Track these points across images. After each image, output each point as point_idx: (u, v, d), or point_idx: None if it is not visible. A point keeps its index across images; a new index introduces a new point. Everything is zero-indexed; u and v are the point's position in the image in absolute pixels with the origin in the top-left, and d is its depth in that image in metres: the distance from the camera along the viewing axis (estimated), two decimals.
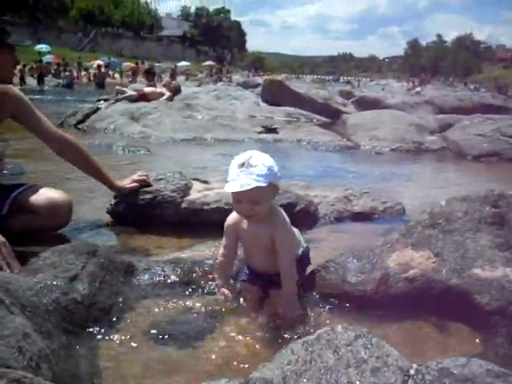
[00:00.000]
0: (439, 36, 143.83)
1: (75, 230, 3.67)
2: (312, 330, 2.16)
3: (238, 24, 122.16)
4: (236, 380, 1.51)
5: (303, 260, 2.72)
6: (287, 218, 2.60)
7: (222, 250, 2.71)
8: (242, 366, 2.01)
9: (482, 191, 2.90)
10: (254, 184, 2.30)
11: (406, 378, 1.44)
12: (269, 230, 2.51)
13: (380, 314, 2.50)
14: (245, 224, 2.60)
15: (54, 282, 2.32)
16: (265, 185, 2.33)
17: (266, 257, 2.59)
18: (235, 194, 2.43)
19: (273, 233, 2.50)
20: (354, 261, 2.73)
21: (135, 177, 3.89)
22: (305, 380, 1.47)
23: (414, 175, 6.89)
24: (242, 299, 2.59)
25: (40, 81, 28.54)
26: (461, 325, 2.39)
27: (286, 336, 2.26)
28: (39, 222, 3.41)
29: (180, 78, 31.65)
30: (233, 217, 2.67)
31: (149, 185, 3.86)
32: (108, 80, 31.19)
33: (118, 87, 14.21)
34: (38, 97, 18.35)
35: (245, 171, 2.33)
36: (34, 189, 3.54)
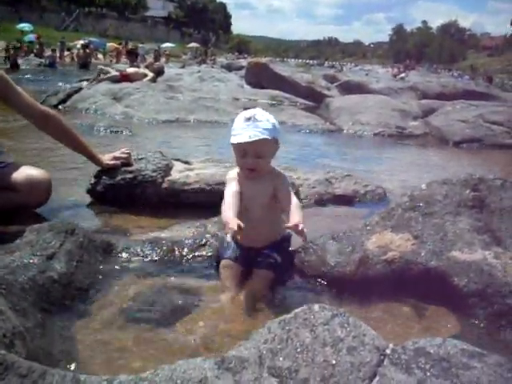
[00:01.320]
0: (424, 22, 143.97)
1: (55, 210, 3.62)
2: (289, 310, 2.16)
3: (223, 6, 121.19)
4: (212, 358, 1.51)
5: (285, 242, 2.72)
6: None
7: (227, 192, 2.58)
8: (218, 344, 2.00)
9: (462, 175, 2.90)
10: (262, 136, 2.43)
11: (382, 357, 1.44)
12: (271, 183, 2.59)
13: (359, 295, 2.50)
14: (245, 182, 2.63)
15: (31, 261, 2.29)
16: (270, 138, 2.47)
17: (260, 219, 2.61)
18: (241, 146, 2.50)
19: (274, 182, 2.60)
20: (334, 243, 2.73)
21: (117, 153, 3.86)
22: (281, 358, 1.46)
23: (396, 159, 6.91)
24: (221, 277, 2.59)
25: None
26: (439, 307, 2.40)
27: (263, 315, 2.26)
28: (18, 199, 3.38)
29: (163, 59, 31.42)
30: (232, 173, 2.73)
31: (130, 163, 3.83)
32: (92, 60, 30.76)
33: (100, 66, 14.08)
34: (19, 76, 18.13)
35: (251, 125, 2.46)
36: (13, 166, 3.51)
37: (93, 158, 3.81)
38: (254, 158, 2.53)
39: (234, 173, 2.72)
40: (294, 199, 2.54)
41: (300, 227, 2.31)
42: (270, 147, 2.56)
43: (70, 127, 3.74)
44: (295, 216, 2.39)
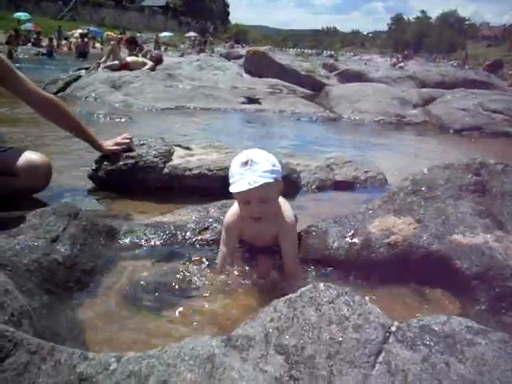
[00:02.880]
0: (423, 12, 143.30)
1: (56, 195, 3.63)
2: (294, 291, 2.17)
3: None
4: (219, 337, 1.52)
5: None
6: (289, 210, 2.59)
7: (223, 249, 2.57)
8: (223, 325, 2.02)
9: (464, 159, 2.91)
10: (262, 180, 2.26)
11: (388, 334, 1.46)
12: (274, 227, 2.51)
13: (361, 278, 2.52)
14: (246, 223, 2.53)
15: (35, 243, 2.31)
16: (272, 180, 2.30)
17: (266, 243, 2.61)
18: (243, 195, 2.35)
19: (279, 229, 2.51)
20: (336, 226, 2.74)
21: (119, 139, 3.87)
22: (287, 337, 1.47)
23: (396, 147, 6.92)
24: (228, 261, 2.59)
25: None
26: (441, 290, 2.41)
27: (267, 297, 2.27)
28: (18, 184, 3.38)
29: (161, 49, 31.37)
30: (231, 215, 2.59)
31: (131, 149, 3.83)
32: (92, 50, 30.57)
33: (112, 44, 14.09)
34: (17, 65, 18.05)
35: (249, 169, 2.29)
36: (13, 151, 3.51)
37: (94, 144, 3.81)
38: (259, 203, 2.37)
39: (231, 216, 2.59)
40: (290, 256, 2.52)
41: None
42: (273, 190, 2.39)
43: (71, 113, 3.74)
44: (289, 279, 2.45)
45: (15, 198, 3.36)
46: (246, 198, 2.37)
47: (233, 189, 2.33)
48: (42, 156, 3.52)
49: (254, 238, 2.61)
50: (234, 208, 2.58)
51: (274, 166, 2.35)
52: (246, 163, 2.30)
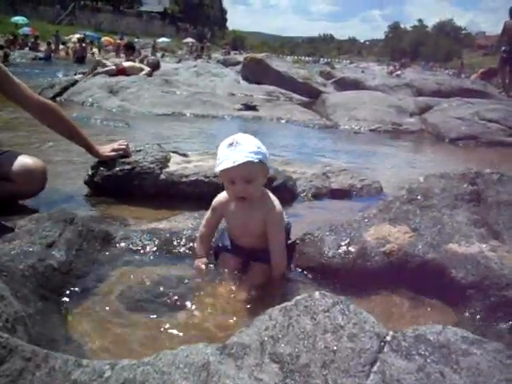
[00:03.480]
0: (420, 21, 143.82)
1: (52, 200, 3.62)
2: (289, 299, 2.17)
3: (219, 1, 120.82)
4: (214, 345, 1.52)
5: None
6: (277, 201, 2.62)
7: (204, 223, 2.72)
8: (218, 333, 2.01)
9: (460, 169, 2.93)
10: (246, 159, 2.33)
11: (383, 343, 1.46)
12: (261, 213, 2.53)
13: (356, 287, 2.51)
14: (233, 206, 2.59)
15: (31, 249, 2.30)
16: (256, 161, 2.36)
17: (253, 238, 2.61)
18: (228, 173, 2.40)
19: (265, 216, 2.52)
20: (332, 234, 2.74)
21: (115, 145, 3.87)
22: (282, 345, 1.47)
23: (392, 155, 6.93)
24: (221, 268, 2.60)
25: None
26: (436, 299, 2.41)
27: (262, 305, 2.27)
28: (13, 188, 3.37)
29: (158, 54, 31.41)
30: (223, 196, 2.65)
31: (127, 155, 3.83)
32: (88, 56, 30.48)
33: (98, 58, 14.08)
34: (12, 69, 18.06)
35: (234, 149, 2.36)
36: (8, 155, 3.49)
37: (91, 149, 3.81)
38: (243, 183, 2.43)
39: (221, 198, 2.67)
40: (277, 244, 2.55)
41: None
42: (257, 170, 2.43)
43: (68, 118, 3.74)
44: (275, 269, 2.52)
45: (10, 202, 3.35)
46: (230, 177, 2.43)
47: (218, 168, 2.41)
48: (36, 160, 3.52)
49: (241, 224, 2.60)
50: (223, 192, 2.65)
51: (258, 148, 2.42)
52: (231, 144, 2.38)
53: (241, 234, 2.65)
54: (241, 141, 2.39)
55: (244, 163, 2.32)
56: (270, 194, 2.62)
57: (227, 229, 2.75)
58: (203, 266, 2.62)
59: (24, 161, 3.45)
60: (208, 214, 2.72)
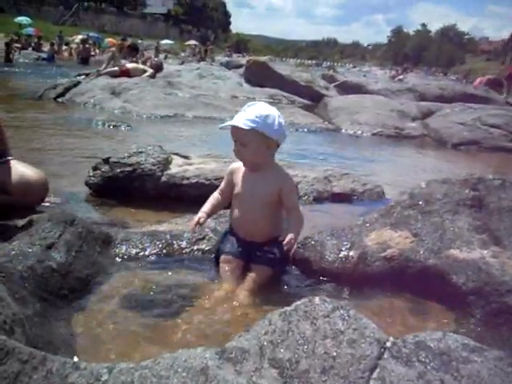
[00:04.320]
0: (424, 25, 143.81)
1: (53, 201, 3.61)
2: (289, 303, 2.16)
3: (222, 4, 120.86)
4: (213, 349, 1.51)
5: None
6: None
7: (217, 190, 2.85)
8: (218, 337, 2.00)
9: (461, 175, 2.92)
10: (235, 123, 2.51)
11: (383, 350, 1.44)
12: (276, 183, 2.61)
13: (357, 291, 2.51)
14: (245, 173, 2.70)
15: (30, 250, 2.29)
16: (246, 128, 2.49)
17: (259, 214, 2.64)
18: (231, 132, 2.60)
19: (281, 184, 2.61)
20: (333, 239, 2.73)
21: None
22: (281, 350, 1.46)
23: (394, 160, 6.93)
24: (221, 271, 2.59)
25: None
26: (437, 304, 2.40)
27: (262, 309, 2.26)
28: (11, 201, 3.29)
29: (161, 56, 31.41)
30: (237, 163, 2.77)
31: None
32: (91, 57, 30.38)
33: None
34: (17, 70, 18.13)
35: (240, 113, 2.56)
36: (6, 167, 3.36)
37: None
38: (239, 145, 2.59)
39: (235, 165, 2.78)
40: (296, 210, 2.62)
41: (288, 246, 2.45)
42: (249, 136, 2.53)
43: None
44: (291, 231, 2.50)
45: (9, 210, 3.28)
46: (232, 136, 2.62)
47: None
48: (36, 172, 3.43)
49: (252, 194, 2.64)
50: (238, 162, 2.77)
51: (257, 117, 2.50)
52: (243, 108, 2.58)
53: (246, 209, 2.67)
54: (251, 107, 2.55)
55: (234, 126, 2.53)
56: (283, 168, 2.74)
57: (231, 218, 2.79)
58: (195, 219, 2.67)
59: (23, 173, 3.36)
60: (221, 183, 2.86)
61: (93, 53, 32.88)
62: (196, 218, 2.69)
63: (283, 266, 2.69)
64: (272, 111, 2.56)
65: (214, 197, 2.82)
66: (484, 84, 18.02)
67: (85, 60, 27.14)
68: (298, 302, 1.62)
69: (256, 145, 2.56)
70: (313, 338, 1.48)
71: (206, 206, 2.77)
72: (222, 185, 2.84)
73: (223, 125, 2.61)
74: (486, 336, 2.20)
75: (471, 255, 2.45)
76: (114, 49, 14.62)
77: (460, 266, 2.42)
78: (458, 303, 2.35)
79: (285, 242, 2.44)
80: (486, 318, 2.28)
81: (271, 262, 2.59)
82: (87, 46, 30.02)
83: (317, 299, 1.61)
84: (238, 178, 2.72)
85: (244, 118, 2.50)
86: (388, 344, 1.46)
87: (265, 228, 2.67)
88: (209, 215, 2.77)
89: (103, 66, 13.03)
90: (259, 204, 2.63)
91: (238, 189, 2.72)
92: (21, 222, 2.64)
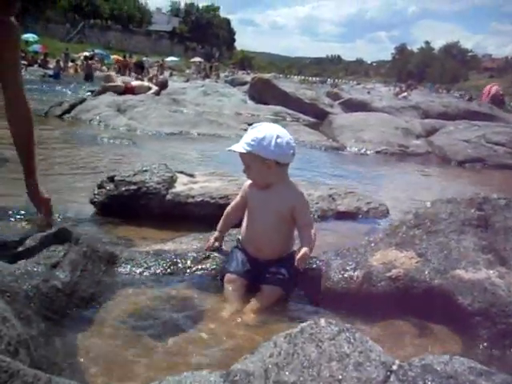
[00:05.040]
0: (427, 43, 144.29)
1: (58, 220, 3.62)
2: (295, 325, 2.15)
3: (227, 22, 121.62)
4: (217, 371, 1.50)
5: (293, 258, 2.71)
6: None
7: (232, 203, 2.96)
8: (224, 358, 1.99)
9: (467, 194, 2.91)
10: (235, 148, 2.63)
11: (389, 373, 1.43)
12: (288, 201, 2.66)
13: (362, 312, 2.49)
14: (255, 191, 2.75)
15: (35, 269, 2.29)
16: (243, 151, 2.60)
17: (268, 230, 2.66)
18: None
19: (296, 205, 2.66)
20: (338, 258, 2.73)
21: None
22: (287, 373, 1.45)
23: (399, 178, 6.92)
24: (225, 291, 2.58)
25: None
26: (443, 325, 2.39)
27: (267, 330, 2.25)
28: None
29: (166, 73, 31.65)
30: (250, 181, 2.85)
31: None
32: (97, 73, 30.57)
33: (107, 73, 14.17)
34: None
35: (244, 136, 2.65)
36: None
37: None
38: (246, 167, 2.71)
39: (249, 182, 2.83)
40: (310, 227, 2.64)
41: (300, 261, 2.50)
42: (248, 159, 2.65)
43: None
44: (304, 246, 2.53)
45: None
46: None
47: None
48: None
49: (262, 211, 2.70)
50: None
51: (254, 141, 2.58)
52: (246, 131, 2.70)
53: (257, 225, 2.71)
54: (252, 130, 2.65)
55: (233, 150, 2.64)
56: (295, 185, 2.78)
57: (241, 233, 2.83)
58: (211, 240, 2.89)
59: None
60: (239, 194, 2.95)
61: (100, 70, 33.12)
62: (212, 238, 2.90)
63: (292, 287, 2.69)
64: (270, 132, 2.60)
65: (227, 213, 2.94)
66: (490, 97, 18.01)
67: (88, 76, 27.28)
68: (304, 324, 1.61)
69: (256, 166, 2.65)
70: (318, 361, 1.47)
71: (220, 225, 2.93)
72: (237, 199, 2.92)
73: (229, 148, 2.68)
74: (493, 358, 2.18)
75: (477, 275, 2.44)
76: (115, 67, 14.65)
77: (466, 286, 2.40)
78: (464, 324, 2.34)
79: (298, 257, 2.48)
80: (493, 340, 2.26)
81: (281, 283, 2.59)
82: (90, 62, 30.20)
83: (322, 321, 1.61)
84: (252, 194, 2.77)
85: (243, 142, 2.61)
86: (394, 367, 1.45)
87: (274, 243, 2.69)
88: (224, 233, 2.93)
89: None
90: (271, 219, 2.66)
91: (250, 204, 2.78)
92: (26, 241, 2.63)
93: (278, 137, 2.59)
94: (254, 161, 2.62)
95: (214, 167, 5.22)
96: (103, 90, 12.28)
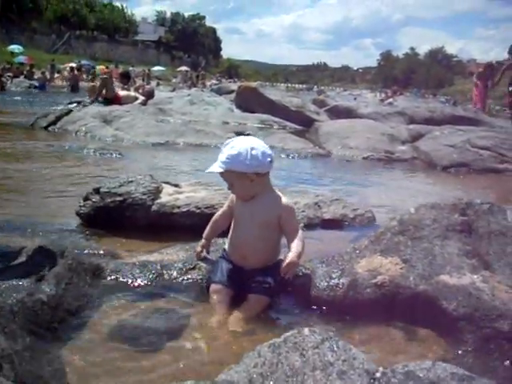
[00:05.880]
0: (412, 49, 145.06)
1: (43, 232, 3.61)
2: (280, 334, 2.16)
3: (213, 31, 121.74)
4: (202, 382, 1.50)
5: (279, 266, 2.71)
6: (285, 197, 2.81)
7: (219, 211, 3.00)
8: (209, 368, 1.99)
9: (450, 199, 2.93)
10: (212, 170, 2.62)
11: (372, 380, 1.45)
12: (273, 209, 2.68)
13: (348, 319, 2.51)
14: (242, 202, 2.75)
15: (20, 283, 2.28)
16: (221, 170, 2.60)
17: (253, 239, 2.68)
18: None
19: (279, 211, 2.67)
20: (323, 266, 2.74)
21: None
22: (271, 382, 1.46)
23: (385, 184, 6.95)
24: (211, 301, 2.59)
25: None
26: (428, 330, 2.40)
27: (252, 339, 2.25)
28: None
29: (153, 83, 31.64)
30: None
31: None
32: (83, 83, 30.44)
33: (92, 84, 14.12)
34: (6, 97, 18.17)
35: (219, 156, 2.63)
36: None
37: None
38: (229, 185, 2.72)
39: None
40: (297, 233, 2.64)
41: (286, 271, 2.51)
42: (228, 176, 2.67)
43: None
44: (291, 254, 2.54)
45: None
46: None
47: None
48: None
49: (246, 220, 2.71)
50: None
51: (228, 158, 2.58)
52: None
53: (243, 234, 2.72)
54: (225, 148, 2.63)
55: (214, 172, 2.63)
56: (279, 193, 2.78)
57: (228, 241, 2.84)
58: (198, 249, 2.93)
59: None
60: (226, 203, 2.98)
61: (85, 80, 33.04)
62: (199, 247, 2.94)
63: (278, 295, 2.70)
64: (243, 146, 2.59)
65: (214, 221, 2.96)
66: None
67: (74, 87, 27.18)
68: (288, 334, 1.62)
69: (238, 182, 2.66)
70: (302, 370, 1.48)
71: (207, 232, 2.96)
72: (224, 208, 2.94)
73: (207, 170, 2.67)
74: (478, 362, 2.20)
75: (461, 280, 2.46)
76: (104, 76, 14.58)
77: (450, 291, 2.42)
78: (449, 329, 2.35)
79: (284, 265, 2.50)
80: (478, 344, 2.27)
81: (267, 292, 2.60)
82: (76, 73, 30.12)
83: (306, 330, 1.62)
84: (238, 205, 2.78)
85: (219, 161, 2.60)
86: (377, 375, 1.47)
87: (260, 252, 2.70)
88: (210, 240, 2.99)
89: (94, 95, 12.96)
90: (256, 230, 2.67)
91: (237, 215, 2.79)
92: (11, 254, 2.62)
93: (252, 149, 2.58)
94: (234, 177, 2.64)
95: (200, 176, 5.22)
96: (92, 102, 12.23)
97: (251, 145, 2.60)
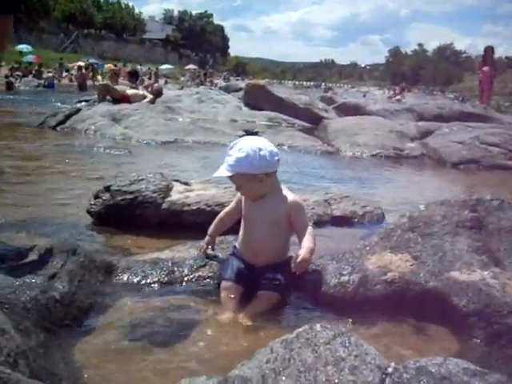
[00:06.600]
0: (420, 45, 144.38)
1: (55, 230, 3.63)
2: (291, 330, 2.17)
3: (221, 28, 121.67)
4: (215, 378, 1.52)
5: (289, 263, 2.72)
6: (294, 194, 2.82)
7: (226, 208, 3.02)
8: (221, 364, 2.01)
9: (460, 196, 2.94)
10: (220, 174, 2.63)
11: (384, 376, 1.45)
12: (284, 208, 2.68)
13: (359, 315, 2.51)
14: (251, 202, 2.76)
15: (33, 280, 2.30)
16: (230, 174, 2.60)
17: (263, 237, 2.69)
18: None
19: (291, 211, 2.68)
20: (334, 263, 2.75)
21: None
22: (283, 378, 1.47)
23: (394, 181, 6.94)
24: (221, 298, 2.60)
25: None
26: (439, 327, 2.41)
27: (264, 335, 2.27)
28: None
29: (161, 81, 31.67)
30: None
31: None
32: (91, 82, 30.53)
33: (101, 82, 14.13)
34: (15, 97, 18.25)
35: (226, 159, 2.62)
36: None
37: None
38: (237, 187, 2.74)
39: None
40: (308, 231, 2.64)
41: (297, 267, 2.50)
42: (236, 179, 2.67)
43: None
44: (302, 250, 2.53)
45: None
46: None
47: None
48: None
49: (256, 218, 2.73)
50: None
51: (236, 161, 2.57)
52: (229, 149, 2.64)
53: (252, 233, 2.74)
54: (231, 151, 2.60)
55: (223, 176, 2.65)
56: (287, 190, 2.77)
57: (239, 239, 2.85)
58: (203, 245, 2.96)
59: None
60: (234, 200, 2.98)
61: (94, 79, 33.12)
62: (203, 242, 2.96)
63: (289, 291, 2.71)
64: (251, 147, 2.58)
65: (219, 218, 2.98)
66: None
67: (81, 86, 27.22)
68: (300, 330, 1.63)
69: (248, 184, 2.67)
70: (314, 366, 1.49)
71: (211, 229, 2.97)
72: (232, 205, 2.95)
73: (215, 174, 2.70)
74: (489, 358, 2.20)
75: (472, 277, 2.46)
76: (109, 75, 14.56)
77: (461, 287, 2.42)
78: (460, 325, 2.36)
79: (295, 262, 2.49)
80: (489, 340, 2.28)
81: (277, 288, 2.61)
82: (83, 72, 30.18)
83: (318, 326, 1.63)
84: (247, 205, 2.79)
85: (227, 164, 2.59)
86: (389, 370, 1.47)
87: (270, 249, 2.72)
88: (215, 237, 2.99)
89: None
90: (267, 228, 2.68)
91: (246, 215, 2.79)
92: (23, 252, 2.64)
93: (260, 150, 2.57)
94: (244, 180, 2.64)
95: (210, 174, 5.23)
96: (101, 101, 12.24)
97: (258, 145, 2.59)
